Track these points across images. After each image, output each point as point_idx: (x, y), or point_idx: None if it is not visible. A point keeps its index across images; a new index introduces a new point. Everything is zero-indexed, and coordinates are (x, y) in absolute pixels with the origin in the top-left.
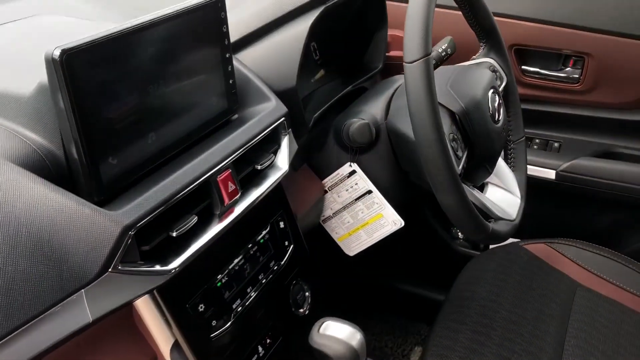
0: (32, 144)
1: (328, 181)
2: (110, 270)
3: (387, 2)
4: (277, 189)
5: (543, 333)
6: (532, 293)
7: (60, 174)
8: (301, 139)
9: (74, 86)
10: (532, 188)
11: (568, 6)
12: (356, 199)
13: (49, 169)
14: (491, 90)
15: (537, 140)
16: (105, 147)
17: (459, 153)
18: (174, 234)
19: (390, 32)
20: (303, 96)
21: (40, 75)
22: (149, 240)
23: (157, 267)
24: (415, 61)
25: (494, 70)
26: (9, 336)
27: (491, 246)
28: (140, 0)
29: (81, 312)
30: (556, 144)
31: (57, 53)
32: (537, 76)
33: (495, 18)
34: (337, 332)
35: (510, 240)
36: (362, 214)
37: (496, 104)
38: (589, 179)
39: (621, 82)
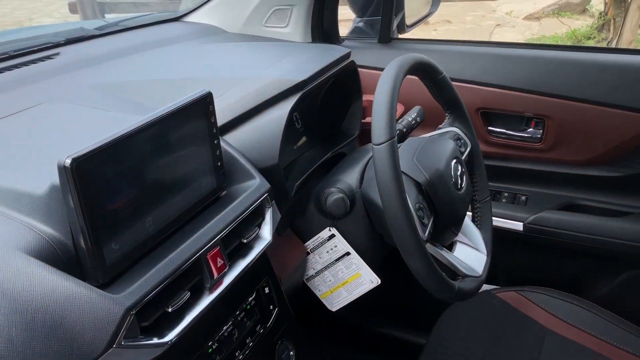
0: (45, 235)
1: (310, 244)
2: (114, 346)
3: (362, 70)
4: (262, 257)
5: None
6: (504, 339)
7: (69, 259)
8: (283, 210)
9: (82, 188)
10: (503, 239)
11: (528, 74)
12: (336, 260)
13: (60, 256)
14: (454, 161)
15: (505, 194)
16: (109, 235)
17: (425, 221)
18: (170, 310)
19: (365, 97)
20: (287, 163)
21: (50, 172)
22: (148, 317)
23: (155, 340)
24: (381, 144)
25: (459, 138)
26: None
27: None
28: (148, 88)
29: None
30: (523, 197)
31: (68, 162)
32: (502, 136)
33: (463, 84)
34: None
35: (485, 287)
36: (342, 274)
37: (459, 173)
38: (554, 231)
39: (577, 141)
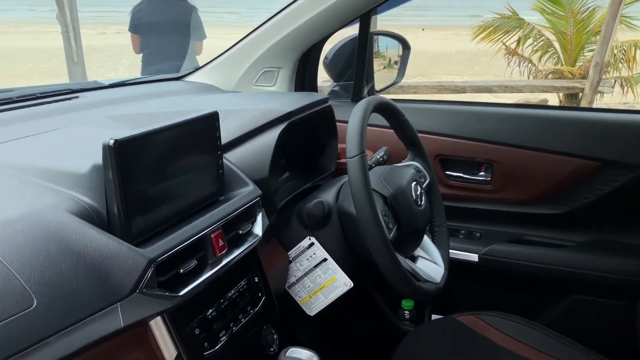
0: (85, 204)
1: (292, 252)
2: (137, 291)
3: (339, 124)
4: (253, 253)
5: None
6: (461, 357)
7: (102, 226)
8: (271, 218)
9: (120, 165)
10: (461, 270)
11: (479, 125)
12: (314, 266)
13: (95, 221)
14: (414, 182)
15: (462, 232)
16: (135, 208)
17: (390, 225)
18: (181, 271)
19: (341, 145)
20: (273, 189)
21: (85, 160)
22: (164, 274)
23: (168, 294)
24: (354, 157)
25: (419, 170)
26: (72, 326)
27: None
28: (159, 117)
29: (115, 319)
30: (477, 234)
31: (111, 142)
32: (458, 179)
33: (423, 135)
34: (298, 354)
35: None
36: (319, 279)
37: (418, 192)
38: (506, 260)
39: (521, 183)
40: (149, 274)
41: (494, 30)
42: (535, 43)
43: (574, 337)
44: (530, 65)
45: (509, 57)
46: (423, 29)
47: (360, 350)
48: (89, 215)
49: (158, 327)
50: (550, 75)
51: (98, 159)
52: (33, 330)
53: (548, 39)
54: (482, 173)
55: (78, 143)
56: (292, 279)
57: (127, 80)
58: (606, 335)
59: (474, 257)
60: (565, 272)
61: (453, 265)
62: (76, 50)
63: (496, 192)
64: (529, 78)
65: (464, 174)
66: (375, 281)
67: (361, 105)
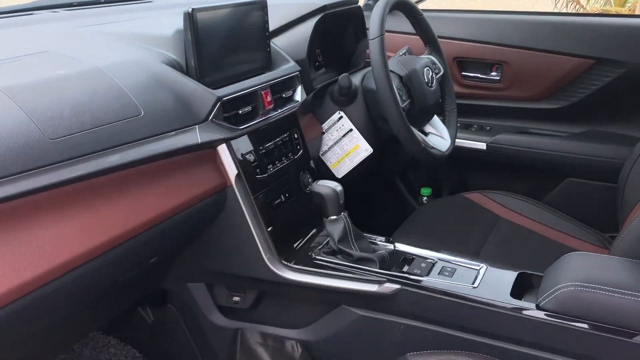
0: (171, 58)
1: (325, 125)
2: (209, 120)
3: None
4: (294, 116)
5: (470, 243)
6: (463, 223)
7: (182, 73)
8: (308, 95)
9: (195, 27)
10: (471, 156)
11: (491, 31)
12: (342, 136)
13: (177, 69)
14: (426, 68)
15: (474, 126)
16: (206, 64)
17: (404, 98)
18: (240, 112)
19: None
20: (311, 78)
21: (169, 30)
22: (228, 111)
23: (230, 126)
24: (375, 38)
25: (434, 63)
26: (165, 133)
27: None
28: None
29: (194, 136)
30: (488, 127)
31: (190, 10)
32: (472, 79)
33: (442, 39)
34: (326, 183)
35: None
36: (346, 146)
37: (430, 76)
38: (510, 148)
39: (528, 81)
40: (217, 107)
41: None
42: None
43: (568, 213)
44: (577, 6)
45: None
46: None
47: (380, 221)
48: (173, 66)
49: (224, 152)
50: None
51: (178, 26)
52: (142, 130)
53: None
54: (493, 73)
55: (158, 25)
56: (325, 148)
57: None
58: (595, 211)
59: (483, 146)
60: (562, 157)
61: (464, 153)
62: None
63: (505, 89)
64: None
65: (477, 73)
66: (400, 172)
67: (381, 3)
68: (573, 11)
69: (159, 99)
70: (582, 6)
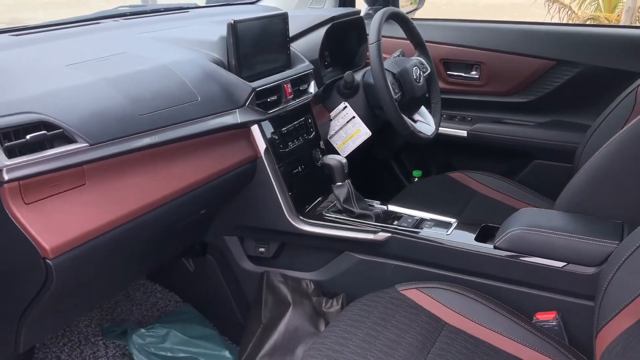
0: (216, 58)
1: (333, 113)
2: (246, 105)
3: None
4: (308, 105)
5: (449, 211)
6: (447, 195)
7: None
8: (319, 89)
9: (235, 34)
10: (454, 143)
11: (470, 36)
12: (346, 122)
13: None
14: (415, 67)
15: (457, 117)
16: (244, 63)
17: (396, 90)
18: (268, 100)
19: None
20: (322, 74)
21: (213, 36)
22: (259, 100)
23: (262, 110)
24: (373, 43)
25: (422, 64)
26: (216, 114)
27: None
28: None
29: (235, 117)
30: (469, 118)
31: (232, 21)
32: (456, 77)
33: (430, 44)
34: (335, 157)
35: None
36: (349, 130)
37: (418, 74)
38: (488, 135)
39: (502, 79)
40: (252, 96)
41: None
42: None
43: (535, 189)
44: (569, 12)
45: (549, 4)
46: None
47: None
48: (218, 64)
49: (256, 131)
50: (589, 21)
51: (221, 34)
52: (198, 111)
53: None
54: (473, 72)
55: (201, 32)
56: (332, 132)
57: (216, 4)
58: (557, 187)
59: (464, 133)
60: (530, 142)
61: (448, 140)
62: None
63: (482, 86)
64: None
65: (460, 72)
66: (394, 156)
67: (380, 12)
68: (565, 17)
69: (209, 89)
70: (574, 12)
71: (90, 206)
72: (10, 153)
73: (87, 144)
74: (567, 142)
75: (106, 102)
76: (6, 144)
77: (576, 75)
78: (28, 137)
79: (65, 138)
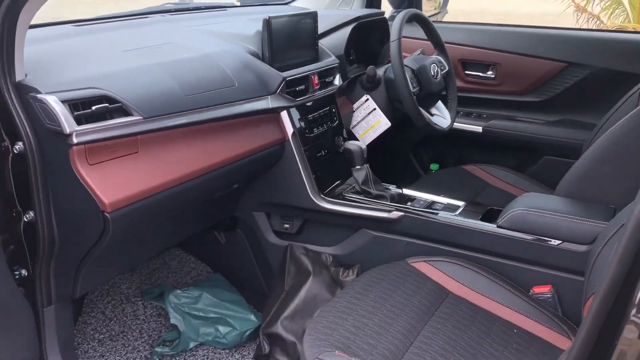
0: (251, 50)
1: (355, 105)
2: (277, 92)
3: None
4: (332, 96)
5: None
6: (459, 185)
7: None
8: (344, 82)
9: (269, 28)
10: (469, 138)
11: (488, 38)
12: (368, 114)
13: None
14: (433, 64)
15: (474, 114)
16: (276, 56)
17: (414, 85)
18: (297, 89)
19: None
20: (346, 70)
21: (251, 29)
22: (289, 88)
23: (291, 98)
24: (394, 40)
25: (440, 62)
26: (251, 99)
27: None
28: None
29: (267, 102)
30: (484, 115)
31: (267, 17)
32: (473, 77)
33: (450, 45)
34: (355, 143)
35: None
36: (370, 121)
37: (436, 71)
38: (501, 131)
39: (516, 79)
40: (282, 84)
41: None
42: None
43: (544, 183)
44: (598, 22)
45: (578, 14)
46: None
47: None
48: (253, 55)
49: (285, 116)
50: None
51: (256, 29)
52: (235, 95)
53: None
54: (489, 72)
55: (239, 27)
56: (354, 122)
57: (252, 4)
58: None
59: (479, 129)
60: (541, 139)
61: (464, 135)
62: None
63: (498, 85)
64: None
65: (477, 72)
66: (412, 149)
67: (402, 12)
68: (593, 26)
69: (245, 76)
70: (603, 22)
71: (142, 171)
72: (79, 121)
73: (141, 117)
74: (574, 139)
75: (158, 82)
76: (76, 113)
77: (585, 76)
78: (93, 108)
79: (123, 111)
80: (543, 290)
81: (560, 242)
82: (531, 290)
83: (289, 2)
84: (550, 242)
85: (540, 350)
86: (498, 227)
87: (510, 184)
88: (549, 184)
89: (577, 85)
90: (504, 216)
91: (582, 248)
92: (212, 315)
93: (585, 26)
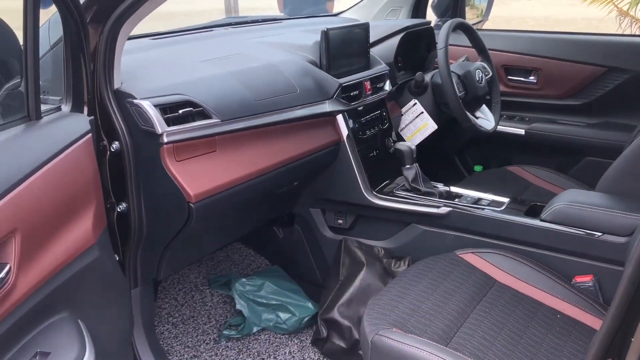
0: (310, 59)
1: (404, 109)
2: (333, 97)
3: None
4: (383, 100)
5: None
6: (503, 184)
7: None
8: (393, 87)
9: (327, 38)
10: (512, 140)
11: (529, 45)
12: (416, 117)
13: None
14: (478, 70)
15: (517, 116)
16: (334, 63)
17: (460, 89)
18: (351, 94)
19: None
20: (395, 75)
21: (309, 40)
22: (344, 94)
23: (346, 102)
24: (441, 48)
25: (484, 68)
26: (310, 103)
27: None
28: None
29: (325, 107)
30: (526, 118)
31: (325, 29)
32: (515, 82)
33: (493, 51)
34: (405, 143)
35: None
36: (418, 124)
37: (480, 76)
38: (543, 134)
39: (557, 84)
40: (339, 89)
41: None
42: None
43: (586, 183)
44: None
45: (621, 18)
46: None
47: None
48: (312, 63)
49: (340, 119)
50: None
51: (313, 39)
52: (297, 100)
53: None
54: (531, 77)
55: (297, 38)
56: (402, 125)
57: (304, 17)
58: None
59: (522, 132)
60: (582, 141)
61: (508, 138)
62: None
63: (540, 90)
64: None
65: (519, 77)
66: (458, 152)
67: (449, 22)
68: (637, 31)
69: (306, 83)
70: None
71: (219, 167)
72: (167, 123)
73: (219, 120)
74: (615, 141)
75: (232, 89)
76: (165, 116)
77: (625, 80)
78: (180, 111)
79: (203, 114)
80: (585, 280)
81: (600, 234)
82: (573, 280)
83: (339, 14)
84: (591, 235)
85: (582, 334)
86: (542, 220)
87: (552, 183)
88: (591, 184)
89: (617, 88)
90: (547, 211)
91: (622, 240)
92: (273, 302)
93: (628, 30)
